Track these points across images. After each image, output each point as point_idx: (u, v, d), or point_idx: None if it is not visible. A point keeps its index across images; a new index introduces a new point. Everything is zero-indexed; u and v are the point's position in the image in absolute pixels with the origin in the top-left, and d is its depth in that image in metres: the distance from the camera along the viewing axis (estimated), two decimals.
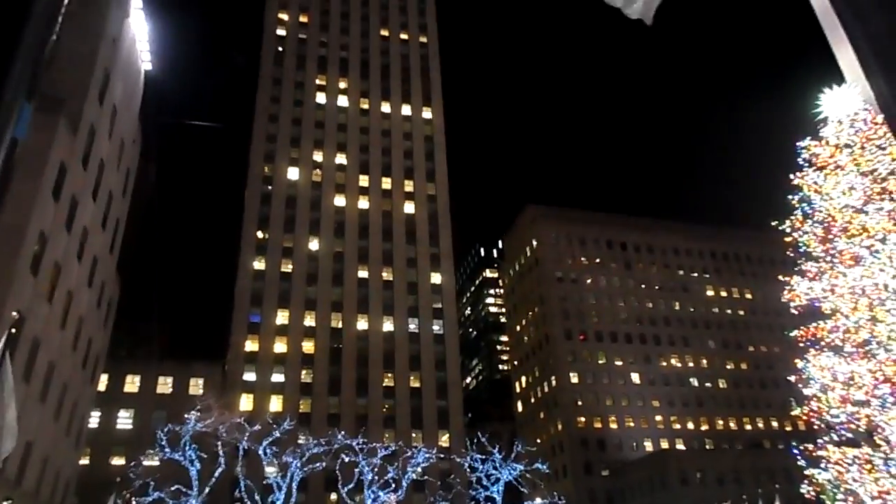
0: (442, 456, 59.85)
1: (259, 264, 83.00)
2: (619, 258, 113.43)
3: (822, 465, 19.79)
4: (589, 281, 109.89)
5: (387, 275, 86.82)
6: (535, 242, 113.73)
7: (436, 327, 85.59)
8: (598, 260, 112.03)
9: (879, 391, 18.64)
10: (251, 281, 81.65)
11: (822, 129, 23.10)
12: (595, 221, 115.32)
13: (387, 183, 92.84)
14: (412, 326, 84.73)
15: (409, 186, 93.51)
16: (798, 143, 23.10)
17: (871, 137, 21.66)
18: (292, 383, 77.20)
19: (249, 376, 76.45)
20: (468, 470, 54.15)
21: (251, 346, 78.38)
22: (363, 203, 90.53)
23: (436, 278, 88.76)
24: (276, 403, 75.18)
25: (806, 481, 20.63)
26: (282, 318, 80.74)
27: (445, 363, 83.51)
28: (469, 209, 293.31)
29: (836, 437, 19.87)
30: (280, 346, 79.23)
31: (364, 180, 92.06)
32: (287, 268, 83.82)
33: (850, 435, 19.67)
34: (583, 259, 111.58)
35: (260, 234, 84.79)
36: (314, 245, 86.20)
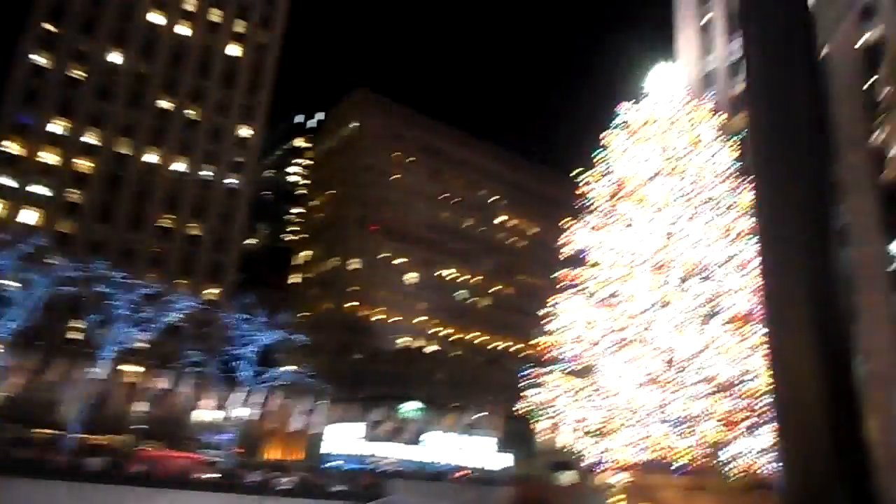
0: (207, 307, 58.80)
1: (42, 60, 72.62)
2: (431, 163, 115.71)
3: (540, 389, 22.42)
4: (396, 177, 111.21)
5: (193, 113, 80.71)
6: (355, 125, 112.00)
7: (231, 180, 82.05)
8: (410, 159, 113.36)
9: (608, 338, 21.41)
10: (28, 76, 71.50)
11: (643, 99, 25.05)
12: (418, 123, 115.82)
13: (216, 15, 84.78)
14: (207, 173, 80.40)
15: (240, 27, 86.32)
16: (619, 107, 24.86)
17: (679, 119, 23.91)
18: (57, 200, 70.30)
19: (5, 180, 68.17)
20: (230, 326, 53.98)
21: (14, 147, 69.51)
22: (184, 28, 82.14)
23: (244, 131, 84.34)
24: (31, 216, 68.26)
25: (523, 399, 23.23)
26: (59, 126, 72.25)
27: (232, 218, 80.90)
28: (297, 71, 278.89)
29: (560, 368, 22.57)
30: (50, 157, 71.22)
31: (191, 3, 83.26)
32: (78, 73, 74.41)
33: (571, 368, 22.46)
34: (396, 154, 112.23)
35: (50, 27, 73.63)
36: (116, 58, 77.13)
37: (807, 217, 1.34)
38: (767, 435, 19.52)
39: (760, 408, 19.87)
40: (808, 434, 1.25)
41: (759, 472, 19.52)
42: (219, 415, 52.99)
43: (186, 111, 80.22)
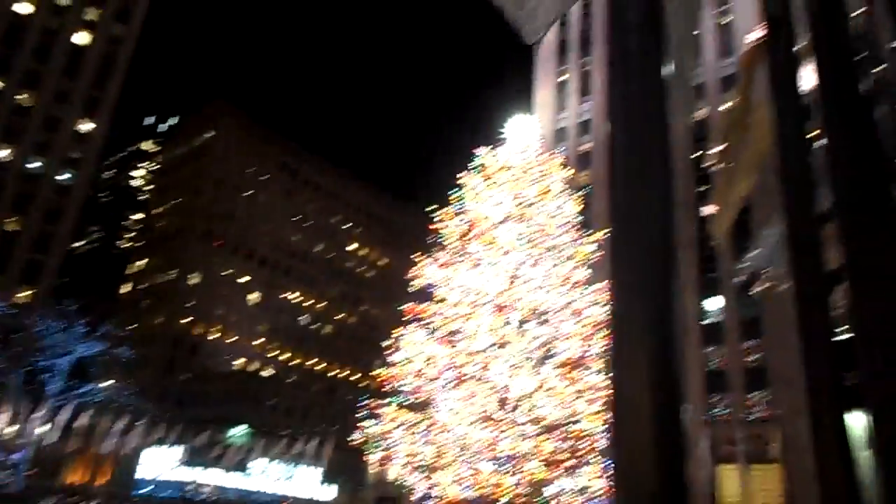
0: (15, 311, 53.09)
1: None
2: (285, 183, 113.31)
3: (377, 421, 22.23)
4: (248, 193, 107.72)
5: (25, 99, 73.67)
6: (210, 135, 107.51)
7: (65, 176, 75.45)
8: (264, 177, 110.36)
9: (447, 375, 21.70)
10: None
11: (501, 146, 26.11)
12: (276, 142, 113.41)
13: None
14: (35, 165, 73.42)
15: (92, 14, 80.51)
16: (477, 149, 25.72)
17: (531, 169, 25.07)
18: None
19: None
20: (42, 335, 48.97)
21: None
22: (24, 6, 75.24)
23: (85, 126, 78.15)
24: None
25: (359, 430, 22.92)
26: None
27: (60, 217, 74.17)
28: (154, 71, 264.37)
29: (398, 401, 22.53)
30: None
31: None
32: None
33: (409, 402, 22.51)
34: (250, 170, 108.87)
35: None
36: None
37: (652, 265, 1.40)
38: (585, 476, 20.56)
39: (582, 449, 20.93)
40: (638, 470, 1.27)
41: None
42: (14, 431, 47.57)
43: (17, 95, 73.14)
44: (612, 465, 1.39)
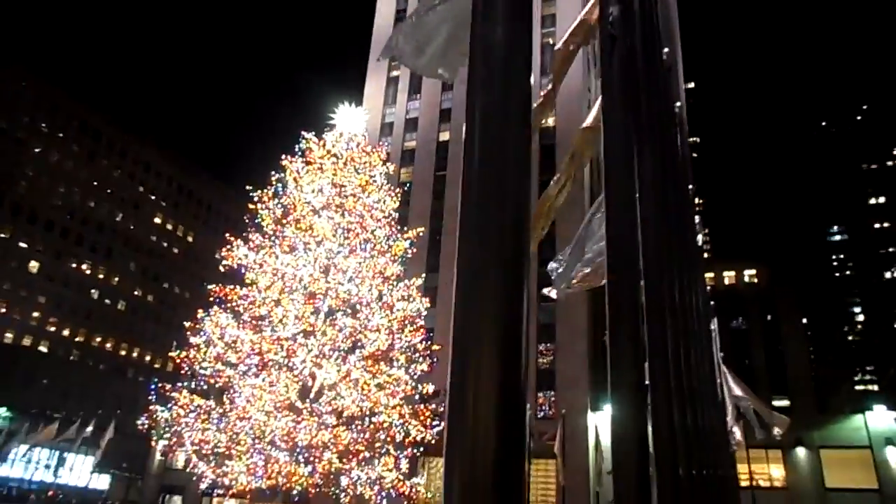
0: None
1: None
2: (85, 145, 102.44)
3: (169, 406, 20.96)
4: (37, 150, 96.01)
5: None
6: None
7: None
8: (59, 134, 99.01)
9: (249, 360, 20.95)
10: None
11: (326, 133, 25.73)
12: (77, 98, 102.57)
13: None
14: None
15: None
16: (303, 132, 25.13)
17: (355, 159, 24.94)
18: None
19: None
20: None
21: None
22: None
23: None
24: None
25: (146, 415, 21.48)
26: None
27: None
28: None
29: (193, 386, 21.40)
30: None
31: None
32: None
33: (205, 387, 21.47)
34: (43, 125, 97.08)
35: None
36: None
37: (504, 247, 1.39)
38: (379, 467, 20.88)
39: (379, 440, 21.22)
40: (474, 472, 1.25)
41: (369, 500, 20.67)
42: None
43: None
44: (447, 457, 1.36)
